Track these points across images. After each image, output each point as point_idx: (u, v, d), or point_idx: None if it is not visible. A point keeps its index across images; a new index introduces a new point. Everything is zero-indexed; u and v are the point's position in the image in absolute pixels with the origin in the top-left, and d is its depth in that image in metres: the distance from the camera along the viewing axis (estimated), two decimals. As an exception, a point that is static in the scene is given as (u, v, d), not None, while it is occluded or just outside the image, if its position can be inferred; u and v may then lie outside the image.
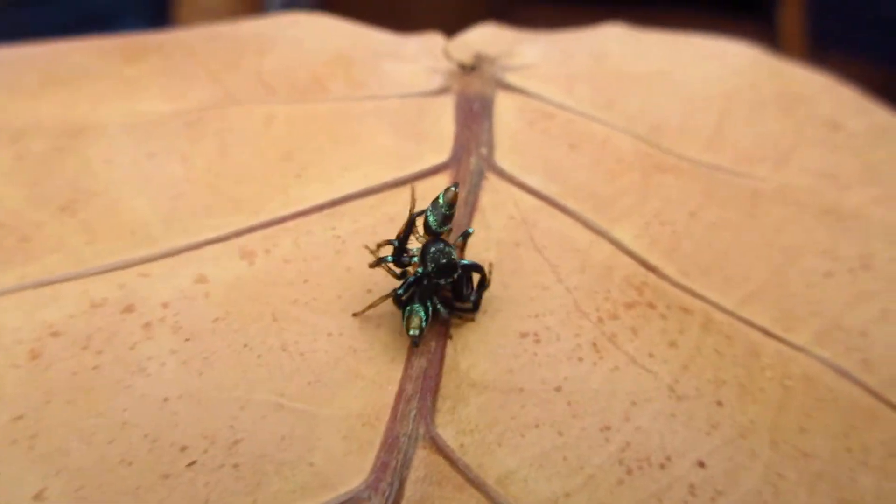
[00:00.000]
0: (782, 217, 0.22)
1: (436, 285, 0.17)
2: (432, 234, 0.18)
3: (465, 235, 0.19)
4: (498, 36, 0.28)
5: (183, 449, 0.15)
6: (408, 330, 0.17)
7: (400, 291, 0.17)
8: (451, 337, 0.17)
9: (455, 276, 0.17)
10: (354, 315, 0.17)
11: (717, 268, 0.20)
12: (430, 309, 0.17)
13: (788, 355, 0.18)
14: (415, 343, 0.17)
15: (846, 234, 0.22)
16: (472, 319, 0.18)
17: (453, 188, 0.17)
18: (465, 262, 0.18)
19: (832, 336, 0.19)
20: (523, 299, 0.19)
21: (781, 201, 0.23)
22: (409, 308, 0.17)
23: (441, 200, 0.18)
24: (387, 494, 0.14)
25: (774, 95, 0.27)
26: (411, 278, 0.17)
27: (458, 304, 0.18)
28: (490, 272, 0.18)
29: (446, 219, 0.18)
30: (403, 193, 0.21)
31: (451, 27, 0.28)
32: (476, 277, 0.18)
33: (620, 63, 0.27)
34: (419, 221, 0.18)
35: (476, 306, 0.18)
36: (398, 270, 0.18)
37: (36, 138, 0.22)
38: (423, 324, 0.17)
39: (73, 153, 0.21)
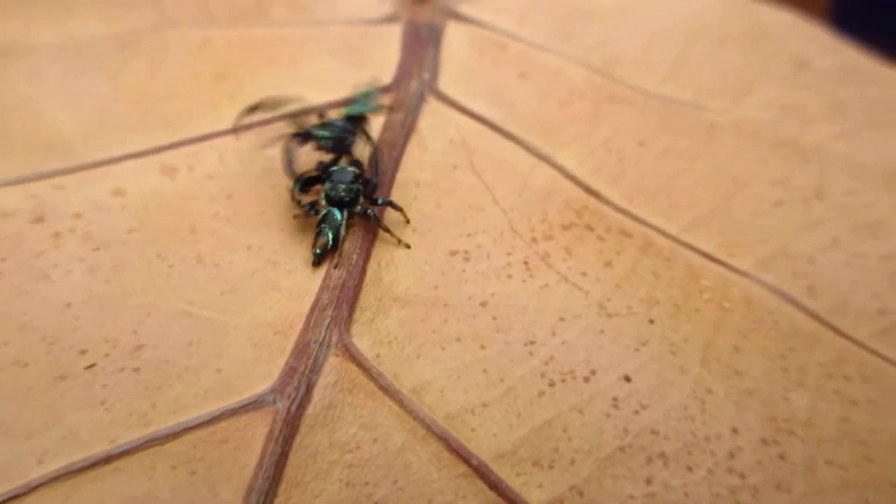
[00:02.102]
0: (737, 148, 0.21)
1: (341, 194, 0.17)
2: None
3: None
4: (453, -33, 0.27)
5: (82, 352, 0.14)
6: (313, 248, 0.16)
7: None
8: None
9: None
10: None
11: (664, 194, 0.19)
12: (343, 225, 0.16)
13: (730, 279, 0.18)
14: (315, 262, 0.16)
15: (802, 165, 0.21)
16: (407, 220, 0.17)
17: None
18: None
19: (778, 262, 0.18)
20: (456, 219, 0.18)
21: (738, 133, 0.22)
22: (318, 228, 0.16)
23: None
24: (292, 398, 0.14)
25: (741, 31, 0.26)
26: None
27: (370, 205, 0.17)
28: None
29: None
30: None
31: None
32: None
33: (580, -4, 0.26)
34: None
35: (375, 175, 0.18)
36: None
37: (-39, 58, 0.21)
38: (329, 244, 0.16)
39: (-2, 71, 0.21)
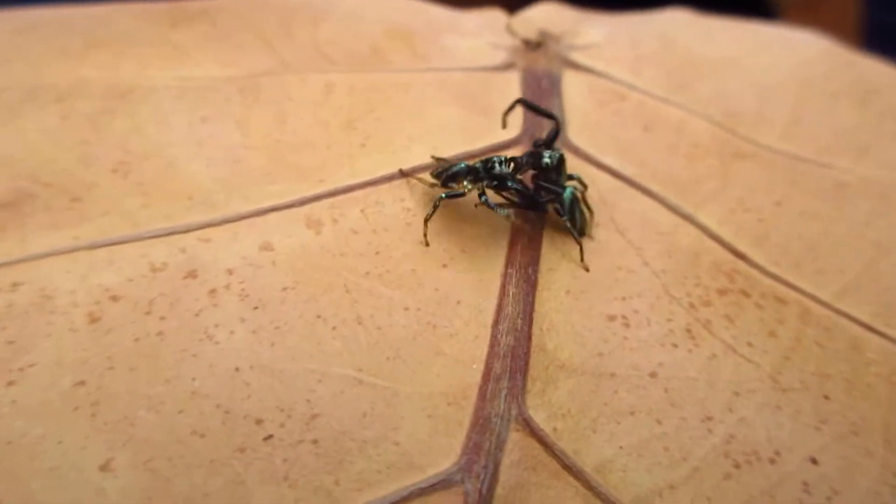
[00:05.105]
0: (870, 210, 0.21)
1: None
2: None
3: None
4: (560, 14, 0.27)
5: (258, 422, 0.13)
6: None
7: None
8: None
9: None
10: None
11: (809, 259, 0.19)
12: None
13: (892, 351, 0.17)
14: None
15: (937, 229, 0.21)
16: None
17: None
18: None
19: (936, 333, 0.18)
20: (608, 281, 0.17)
21: (867, 194, 0.21)
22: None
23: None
24: (482, 478, 0.13)
25: (848, 86, 0.26)
26: None
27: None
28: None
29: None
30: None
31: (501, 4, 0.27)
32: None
33: (688, 47, 0.26)
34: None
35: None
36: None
37: (82, 98, 0.21)
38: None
39: (122, 114, 0.20)
